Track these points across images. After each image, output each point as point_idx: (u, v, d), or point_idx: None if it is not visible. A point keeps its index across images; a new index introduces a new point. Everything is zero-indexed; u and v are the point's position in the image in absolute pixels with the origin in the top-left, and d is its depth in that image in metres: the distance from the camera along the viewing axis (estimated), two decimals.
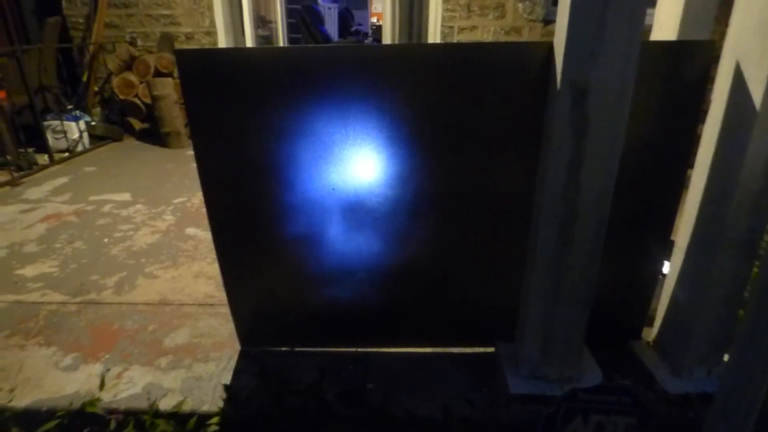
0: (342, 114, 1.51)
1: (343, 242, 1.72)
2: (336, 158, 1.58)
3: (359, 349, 1.95)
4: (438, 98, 1.53)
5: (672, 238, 1.79)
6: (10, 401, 1.71)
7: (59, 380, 1.82)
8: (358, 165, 1.59)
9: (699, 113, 1.62)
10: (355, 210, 1.67)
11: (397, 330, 1.94)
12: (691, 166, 1.66)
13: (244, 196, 1.64)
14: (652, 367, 1.77)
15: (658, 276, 1.84)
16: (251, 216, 1.68)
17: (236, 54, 1.46)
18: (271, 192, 1.63)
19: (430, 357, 1.94)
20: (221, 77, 1.47)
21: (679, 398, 1.67)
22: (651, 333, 1.93)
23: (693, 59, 1.53)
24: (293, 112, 1.51)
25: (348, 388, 1.76)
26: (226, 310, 1.96)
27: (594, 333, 1.82)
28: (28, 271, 2.63)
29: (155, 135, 5.31)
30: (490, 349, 1.93)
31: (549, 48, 1.42)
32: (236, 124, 1.53)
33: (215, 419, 1.63)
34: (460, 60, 1.48)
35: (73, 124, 4.93)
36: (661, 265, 1.83)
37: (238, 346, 1.98)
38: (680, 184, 1.71)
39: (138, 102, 5.33)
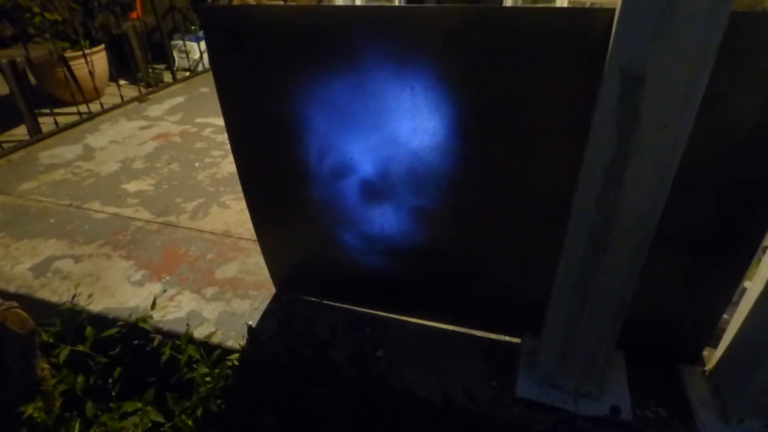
0: (360, 82, 1.40)
1: (362, 212, 1.67)
2: (353, 128, 1.49)
3: (379, 313, 1.96)
4: (469, 70, 1.32)
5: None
6: (88, 304, 2.05)
7: (127, 293, 2.13)
8: (376, 137, 1.49)
9: None
10: (374, 183, 1.59)
11: (421, 302, 1.90)
12: None
13: (267, 155, 1.65)
14: (696, 402, 1.52)
15: (728, 298, 1.52)
16: (275, 175, 1.69)
17: (256, 11, 1.39)
18: (291, 154, 1.61)
19: (449, 335, 1.88)
20: (243, 34, 1.43)
21: None
22: (712, 359, 1.64)
23: None
24: (310, 76, 1.42)
25: (358, 351, 1.79)
26: None
27: (638, 347, 1.61)
28: (131, 186, 3.02)
29: None
30: (516, 340, 1.81)
31: (611, 17, 1.12)
32: (256, 84, 1.51)
33: (234, 355, 1.79)
34: (498, 26, 1.25)
35: (195, 44, 5.30)
36: (737, 286, 1.50)
37: (274, 289, 2.11)
38: None
39: None
